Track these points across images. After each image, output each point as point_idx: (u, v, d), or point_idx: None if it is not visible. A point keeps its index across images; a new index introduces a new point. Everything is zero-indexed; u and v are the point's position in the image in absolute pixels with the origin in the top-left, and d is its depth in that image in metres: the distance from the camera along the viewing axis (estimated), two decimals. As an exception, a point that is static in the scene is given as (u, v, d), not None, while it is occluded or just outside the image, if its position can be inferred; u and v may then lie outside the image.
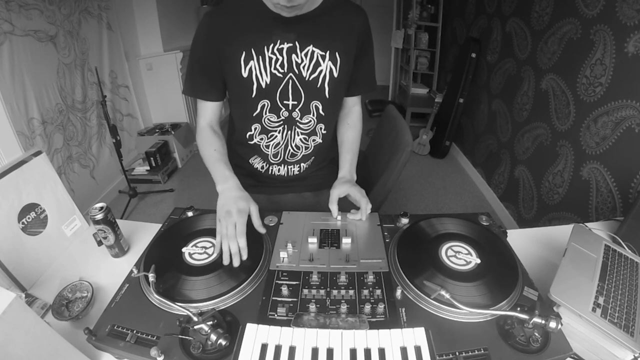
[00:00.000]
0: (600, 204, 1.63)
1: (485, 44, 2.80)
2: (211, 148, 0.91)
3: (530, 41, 2.18)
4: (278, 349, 0.55)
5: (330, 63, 0.86)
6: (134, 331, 0.59)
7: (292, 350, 0.54)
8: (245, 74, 0.84)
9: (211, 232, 0.80)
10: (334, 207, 0.89)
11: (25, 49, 1.96)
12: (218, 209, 0.80)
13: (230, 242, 0.73)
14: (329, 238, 0.81)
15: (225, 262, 0.72)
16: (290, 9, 0.72)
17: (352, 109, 1.04)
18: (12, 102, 1.87)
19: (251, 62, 0.83)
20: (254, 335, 0.56)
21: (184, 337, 0.57)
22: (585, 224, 0.95)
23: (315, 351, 0.54)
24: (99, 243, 0.89)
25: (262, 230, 0.81)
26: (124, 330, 0.59)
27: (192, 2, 3.76)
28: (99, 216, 0.82)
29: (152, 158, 2.90)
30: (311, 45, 0.83)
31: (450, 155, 3.42)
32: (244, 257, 0.73)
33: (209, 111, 0.95)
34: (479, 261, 0.71)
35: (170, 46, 3.21)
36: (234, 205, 0.78)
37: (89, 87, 2.50)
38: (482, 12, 2.85)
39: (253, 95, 0.87)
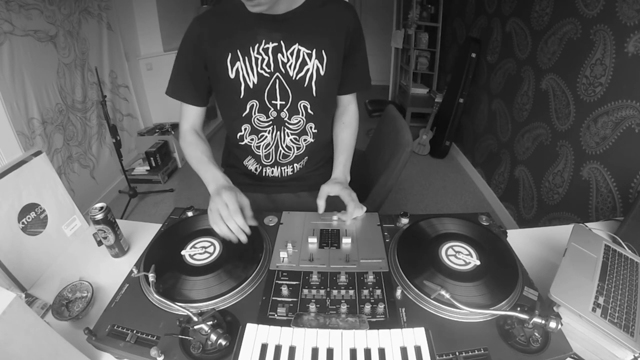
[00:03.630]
0: (600, 204, 1.63)
1: (485, 44, 2.80)
2: (197, 150, 0.91)
3: (530, 41, 2.18)
4: (278, 349, 0.55)
5: (316, 61, 0.85)
6: (134, 331, 0.59)
7: (292, 350, 0.54)
8: (232, 75, 0.84)
9: (211, 232, 0.80)
10: (321, 202, 0.89)
11: (25, 49, 1.96)
12: (210, 205, 0.79)
13: (227, 222, 0.73)
14: (329, 238, 0.80)
15: (234, 240, 0.72)
16: (250, 2, 0.71)
17: (348, 107, 1.03)
18: (12, 102, 1.87)
19: (237, 63, 0.83)
20: (254, 335, 0.56)
21: (184, 337, 0.57)
22: (585, 224, 0.95)
23: (315, 351, 0.54)
24: (99, 243, 0.89)
25: (253, 222, 0.78)
26: (124, 330, 0.59)
27: (192, 2, 3.76)
28: (99, 216, 0.82)
29: (152, 158, 2.90)
30: (297, 44, 0.83)
31: (450, 155, 3.42)
32: (247, 230, 0.73)
33: (192, 116, 0.95)
34: (478, 262, 0.71)
35: (170, 46, 3.22)
36: (220, 193, 0.77)
37: (89, 87, 2.50)
38: (482, 12, 2.85)
39: (241, 96, 0.87)
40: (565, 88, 1.86)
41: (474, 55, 2.86)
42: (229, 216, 0.73)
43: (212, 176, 0.86)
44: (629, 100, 1.46)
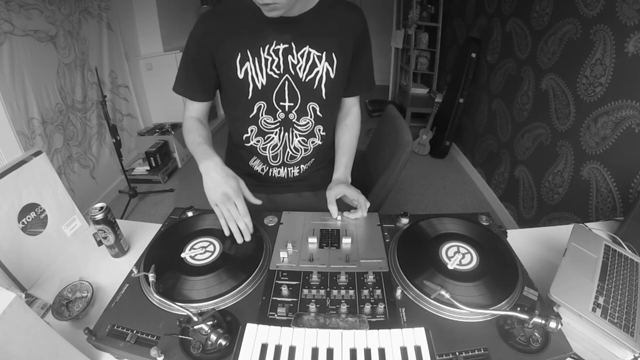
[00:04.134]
0: (600, 204, 1.63)
1: (485, 44, 2.80)
2: (195, 133, 0.91)
3: (530, 41, 2.18)
4: (278, 349, 0.55)
5: (326, 64, 0.85)
6: (134, 331, 0.59)
7: (292, 350, 0.54)
8: (241, 76, 0.84)
9: (211, 232, 0.80)
10: (333, 207, 0.88)
11: (25, 49, 1.96)
12: (208, 191, 0.81)
13: (237, 222, 0.77)
14: (329, 238, 0.80)
15: (239, 240, 0.77)
16: (266, 6, 0.71)
17: (351, 109, 1.03)
18: (12, 102, 1.87)
19: (247, 64, 0.83)
20: (254, 335, 0.56)
21: (184, 337, 0.57)
22: (585, 224, 0.95)
23: (315, 351, 0.54)
24: (99, 243, 0.89)
25: (257, 201, 0.84)
26: (124, 330, 0.59)
27: (192, 2, 3.76)
28: (99, 216, 0.82)
29: (152, 158, 2.90)
30: (307, 46, 0.83)
31: (450, 155, 3.42)
32: (252, 229, 0.78)
33: (196, 108, 0.95)
34: (477, 261, 0.71)
35: (170, 46, 3.22)
36: (227, 187, 0.80)
37: (89, 87, 2.50)
38: (482, 12, 2.85)
39: (249, 97, 0.86)
40: (565, 88, 1.86)
41: (474, 55, 2.86)
42: (239, 217, 0.78)
43: (203, 154, 0.85)
44: (629, 100, 1.46)
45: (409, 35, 3.88)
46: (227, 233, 0.77)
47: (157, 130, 3.20)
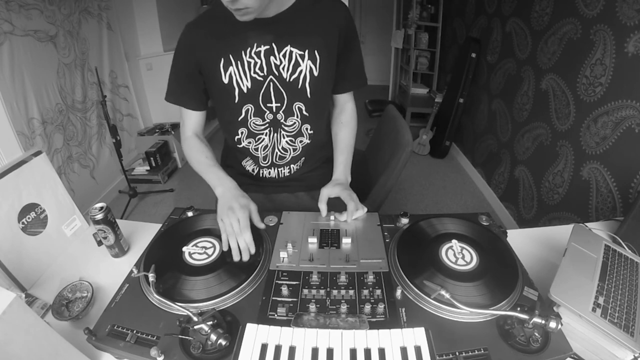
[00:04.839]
0: (600, 204, 1.63)
1: (485, 44, 2.80)
2: (201, 155, 0.92)
3: (530, 41, 2.18)
4: (278, 349, 0.55)
5: (309, 62, 0.84)
6: (134, 331, 0.59)
7: (292, 350, 0.54)
8: (225, 81, 0.84)
9: (211, 232, 0.80)
10: (323, 205, 0.89)
11: (25, 49, 1.96)
12: (219, 209, 0.80)
13: (237, 238, 0.74)
14: (329, 238, 0.80)
15: (236, 258, 0.73)
16: (238, 11, 0.70)
17: (345, 106, 1.02)
18: (12, 102, 1.87)
19: (230, 68, 0.83)
20: (254, 335, 0.56)
21: (184, 337, 0.57)
22: (585, 224, 0.95)
23: (315, 351, 0.54)
24: (99, 243, 0.89)
25: (262, 226, 0.82)
26: (124, 330, 0.59)
27: (192, 2, 3.76)
28: (99, 216, 0.82)
29: (152, 158, 2.90)
30: (289, 46, 0.82)
31: (450, 155, 3.42)
32: (252, 251, 0.75)
33: (193, 120, 0.96)
34: (477, 261, 0.71)
35: (170, 46, 3.20)
36: (235, 202, 0.80)
37: (89, 87, 2.50)
38: (482, 12, 2.85)
39: (236, 101, 0.87)
40: (565, 88, 1.86)
41: (474, 55, 2.86)
42: (239, 233, 0.75)
43: (217, 179, 0.87)
44: (629, 100, 1.46)
45: (409, 35, 3.88)
46: (225, 248, 0.75)
47: (157, 130, 3.20)
